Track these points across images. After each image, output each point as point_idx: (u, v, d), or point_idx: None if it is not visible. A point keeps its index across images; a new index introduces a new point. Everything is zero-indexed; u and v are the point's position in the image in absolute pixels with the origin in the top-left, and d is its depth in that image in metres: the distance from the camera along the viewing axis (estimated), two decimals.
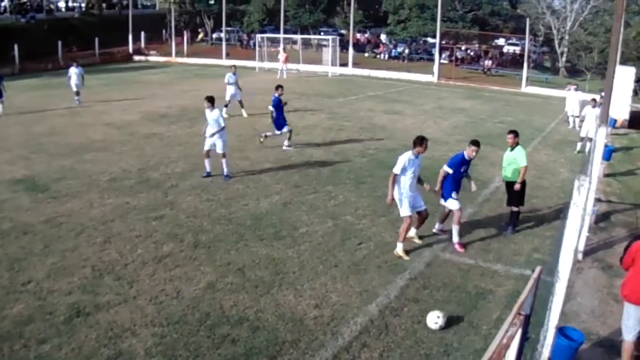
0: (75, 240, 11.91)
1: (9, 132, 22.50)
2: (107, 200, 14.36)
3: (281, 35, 56.40)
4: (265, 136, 20.09)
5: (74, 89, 29.51)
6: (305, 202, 14.56)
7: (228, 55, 58.09)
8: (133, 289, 9.87)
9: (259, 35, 54.92)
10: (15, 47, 47.19)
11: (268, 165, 17.89)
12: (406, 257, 11.51)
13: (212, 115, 16.17)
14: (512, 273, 10.93)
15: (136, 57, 60.39)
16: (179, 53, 60.45)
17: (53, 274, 10.33)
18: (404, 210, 11.63)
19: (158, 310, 9.19)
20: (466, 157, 12.17)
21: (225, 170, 16.49)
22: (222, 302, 9.47)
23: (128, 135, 21.92)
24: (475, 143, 12.16)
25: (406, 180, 11.50)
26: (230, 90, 26.39)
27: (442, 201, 12.43)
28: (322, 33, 65.96)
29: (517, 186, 12.81)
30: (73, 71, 29.54)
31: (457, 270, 10.98)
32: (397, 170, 11.39)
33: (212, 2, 70.04)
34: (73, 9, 73.14)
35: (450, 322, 9.02)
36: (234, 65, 29.12)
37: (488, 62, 55.04)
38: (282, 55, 45.72)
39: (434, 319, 8.73)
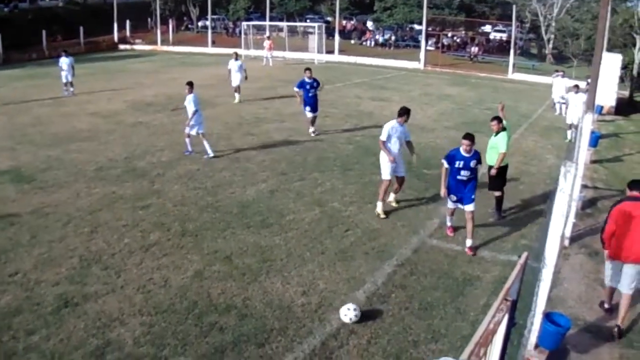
0: (62, 230, 11.86)
1: None
2: (94, 190, 14.29)
3: (267, 23, 56.16)
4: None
5: (63, 79, 29.10)
6: (292, 189, 14.55)
7: (214, 44, 57.84)
8: (121, 278, 9.84)
9: (244, 23, 54.76)
10: None
11: (254, 153, 17.83)
12: (383, 216, 12.86)
13: (187, 100, 17.03)
14: (499, 259, 10.98)
15: (121, 46, 59.92)
16: (165, 41, 60.08)
17: (40, 265, 10.28)
18: (385, 174, 13.06)
19: (146, 299, 9.17)
20: (462, 152, 11.20)
21: (208, 150, 17.24)
22: (210, 290, 9.47)
23: (114, 124, 21.78)
24: (466, 137, 11.24)
25: (391, 147, 12.93)
26: (234, 76, 27.40)
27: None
28: (308, 20, 65.83)
29: (492, 171, 12.90)
30: (64, 61, 28.86)
31: (444, 256, 11.02)
32: (383, 137, 12.90)
33: None
34: None
35: (438, 308, 9.08)
36: (236, 52, 29.88)
37: (474, 49, 55.04)
38: (267, 43, 45.59)
39: (344, 311, 8.57)
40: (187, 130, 17.26)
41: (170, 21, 62.77)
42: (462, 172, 11.22)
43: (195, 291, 9.43)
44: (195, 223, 12.26)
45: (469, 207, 11.26)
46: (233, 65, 27.48)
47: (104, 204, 13.30)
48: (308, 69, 20.63)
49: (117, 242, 11.28)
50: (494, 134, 13.02)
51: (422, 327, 8.58)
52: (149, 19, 66.19)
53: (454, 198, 11.45)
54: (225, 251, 10.91)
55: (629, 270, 8.59)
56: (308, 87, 20.19)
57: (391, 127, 12.88)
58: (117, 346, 7.92)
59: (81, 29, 54.59)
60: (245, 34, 52.54)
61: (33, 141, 19.14)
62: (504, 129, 13.00)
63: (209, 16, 60.82)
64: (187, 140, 17.44)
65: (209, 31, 59.59)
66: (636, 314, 9.22)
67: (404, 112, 13.03)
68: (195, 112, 16.91)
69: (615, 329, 8.54)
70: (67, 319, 8.57)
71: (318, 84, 20.42)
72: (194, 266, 10.30)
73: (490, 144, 13.23)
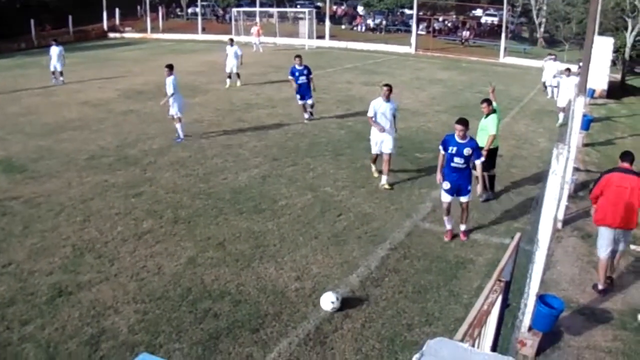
0: (55, 220, 11.82)
1: None
2: (86, 178, 14.24)
3: (257, 9, 55.86)
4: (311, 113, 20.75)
5: (51, 68, 28.75)
6: (284, 174, 14.54)
7: (204, 30, 57.49)
8: (114, 266, 9.83)
9: (234, 9, 54.42)
10: None
11: (246, 139, 17.79)
12: (387, 187, 13.66)
13: (167, 82, 17.40)
14: (492, 242, 11.02)
15: (111, 34, 59.35)
16: (155, 29, 59.60)
17: (33, 255, 10.25)
18: (373, 149, 14.09)
19: (140, 287, 9.17)
20: (456, 138, 10.78)
21: (180, 133, 17.67)
22: (204, 276, 9.47)
23: (105, 113, 21.66)
24: (459, 121, 10.81)
25: (379, 122, 13.62)
26: (230, 61, 27.78)
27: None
28: (298, 6, 65.36)
29: (482, 152, 12.93)
30: (54, 50, 28.48)
31: (437, 239, 11.05)
32: (370, 114, 13.70)
33: None
34: None
35: (431, 291, 9.11)
36: (231, 38, 30.02)
37: (466, 33, 54.85)
38: (255, 29, 45.38)
39: (329, 304, 8.49)
40: (170, 112, 17.57)
41: (160, 9, 62.32)
42: (456, 159, 10.80)
43: (188, 278, 9.43)
44: (188, 210, 12.25)
45: (464, 199, 11.01)
46: (230, 51, 27.80)
47: (96, 193, 13.26)
48: (298, 56, 20.40)
49: (110, 231, 11.26)
50: (484, 116, 13.09)
51: (415, 310, 8.61)
52: (139, 7, 65.67)
53: (447, 186, 10.92)
54: (218, 237, 10.91)
55: (616, 234, 9.37)
56: (297, 74, 19.97)
57: (376, 104, 13.62)
58: (112, 334, 7.93)
59: (70, 17, 54.01)
60: (236, 20, 52.27)
61: (24, 131, 19.03)
62: (494, 111, 13.07)
63: (199, 3, 60.41)
64: (177, 126, 17.64)
65: (199, 18, 59.20)
66: (628, 297, 9.27)
67: (385, 87, 13.83)
68: (173, 94, 17.17)
69: (608, 280, 9.49)
70: (61, 308, 8.56)
71: (309, 71, 20.13)
72: (187, 253, 10.29)
73: (480, 126, 13.36)
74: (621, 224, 9.20)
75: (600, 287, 9.39)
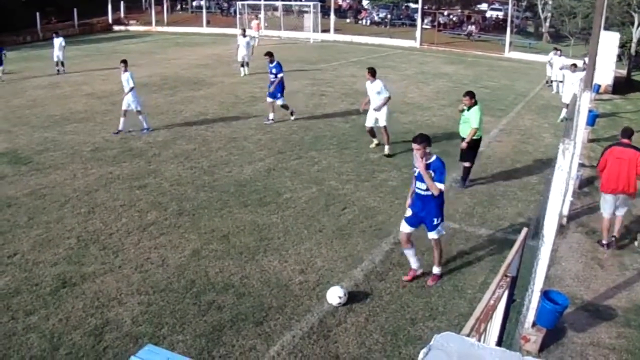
0: (60, 211, 11.85)
1: None
2: (91, 170, 14.26)
3: (262, 2, 55.73)
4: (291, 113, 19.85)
5: (55, 59, 29.79)
6: (288, 168, 14.55)
7: (209, 23, 57.55)
8: (118, 258, 9.85)
9: (239, 2, 54.33)
10: None
11: (251, 132, 17.82)
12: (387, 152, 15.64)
13: (124, 77, 17.47)
14: (497, 237, 10.99)
15: (116, 27, 59.47)
16: (159, 22, 59.63)
17: (38, 246, 10.29)
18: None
19: (144, 278, 9.18)
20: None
21: (144, 124, 17.86)
22: (207, 269, 9.48)
23: (109, 105, 21.64)
24: (415, 139, 8.85)
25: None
26: (241, 51, 28.82)
27: None
28: None
29: (463, 144, 13.26)
30: (56, 42, 29.88)
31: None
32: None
33: None
34: None
35: (435, 285, 9.11)
36: (243, 29, 31.20)
37: (471, 27, 54.74)
38: (254, 23, 45.25)
39: (336, 298, 8.44)
40: (123, 106, 17.59)
41: (164, 2, 62.30)
42: (418, 184, 8.99)
43: (192, 270, 9.44)
44: (192, 202, 12.26)
45: (431, 235, 9.16)
46: (242, 41, 28.70)
47: (101, 185, 13.29)
48: (268, 53, 19.38)
49: (114, 222, 11.28)
50: (467, 108, 13.22)
51: (419, 304, 8.60)
52: (143, 0, 65.77)
53: (408, 213, 9.18)
54: (222, 230, 10.92)
55: (618, 199, 10.85)
56: (268, 70, 19.14)
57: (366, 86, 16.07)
58: (116, 325, 7.94)
59: (75, 11, 54.23)
60: (240, 13, 52.22)
61: (29, 123, 19.07)
62: (475, 103, 13.20)
63: None
64: (121, 119, 17.69)
65: (204, 11, 59.19)
66: (633, 294, 9.24)
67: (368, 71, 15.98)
68: (132, 89, 17.46)
69: (612, 238, 10.85)
70: (65, 299, 8.59)
71: (279, 69, 18.95)
72: (192, 245, 10.30)
73: (462, 119, 13.48)
74: (621, 190, 10.66)
75: (604, 242, 10.80)
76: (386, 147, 15.78)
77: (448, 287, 9.09)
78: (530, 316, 7.74)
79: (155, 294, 8.74)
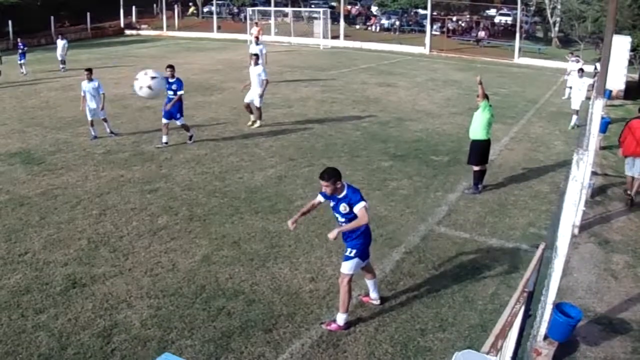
0: (71, 212, 11.92)
1: (3, 105, 22.42)
2: (102, 173, 14.33)
3: (272, 8, 55.88)
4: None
5: (59, 58, 32.83)
6: (300, 175, 14.52)
7: (219, 29, 57.68)
8: (128, 261, 9.88)
9: (249, 8, 54.45)
10: (10, 23, 48.20)
11: (262, 139, 17.82)
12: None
13: (92, 85, 17.66)
14: (508, 247, 10.90)
15: (127, 32, 59.96)
16: (170, 27, 59.92)
17: (49, 246, 10.36)
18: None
19: (153, 282, 9.20)
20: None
21: (108, 129, 18.12)
22: (218, 274, 9.47)
23: (121, 108, 21.77)
24: (321, 176, 8.17)
25: None
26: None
27: None
28: (312, 5, 65.33)
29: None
30: (59, 43, 33.24)
31: (452, 244, 10.95)
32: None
33: None
34: None
35: (446, 296, 9.05)
36: (257, 36, 30.10)
37: (481, 33, 54.49)
38: (255, 30, 44.32)
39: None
40: (89, 116, 17.68)
41: (175, 7, 62.58)
42: (337, 216, 8.28)
43: (203, 275, 9.44)
44: (204, 208, 12.27)
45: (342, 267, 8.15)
46: (254, 49, 27.19)
47: (112, 187, 13.34)
48: (169, 66, 16.94)
49: (125, 225, 11.32)
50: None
51: (429, 315, 8.54)
52: (155, 5, 66.14)
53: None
54: (233, 236, 10.92)
55: (637, 162, 13.30)
56: (167, 87, 16.10)
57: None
58: (124, 328, 7.97)
59: (88, 14, 55.00)
60: (251, 19, 52.25)
61: (42, 124, 19.23)
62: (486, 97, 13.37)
63: (214, 1, 60.52)
64: (90, 128, 17.72)
65: (214, 16, 59.33)
66: None
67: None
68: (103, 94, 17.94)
69: (629, 199, 13.44)
70: (75, 299, 8.64)
71: (180, 86, 16.74)
72: (202, 250, 10.31)
73: (472, 118, 13.65)
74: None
75: (629, 192, 13.54)
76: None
77: (458, 298, 9.03)
78: (542, 329, 7.69)
79: (164, 297, 8.75)
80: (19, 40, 34.25)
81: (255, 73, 18.95)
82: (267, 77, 19.28)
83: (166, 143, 16.92)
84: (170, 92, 16.52)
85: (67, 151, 16.02)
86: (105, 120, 17.96)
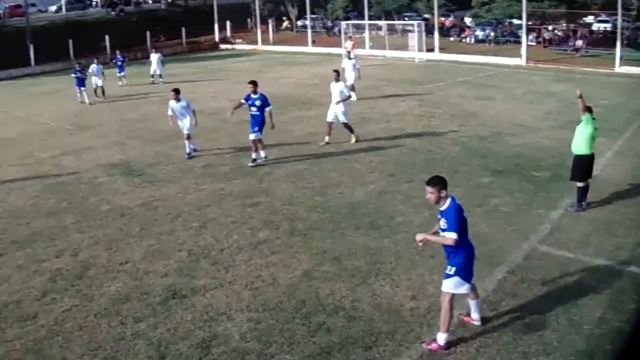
0: (171, 224, 12.26)
1: (104, 118, 23.33)
2: (202, 186, 14.69)
3: (366, 22, 55.90)
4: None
5: (151, 72, 34.14)
6: (400, 191, 14.42)
7: (314, 43, 58.12)
8: (229, 273, 10.09)
9: (343, 22, 54.67)
10: (107, 38, 51.16)
11: (362, 154, 17.84)
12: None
13: (181, 104, 17.55)
14: (615, 269, 10.40)
15: (222, 46, 61.29)
16: (265, 41, 60.77)
17: (149, 256, 10.72)
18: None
19: (254, 296, 9.36)
20: None
21: (187, 149, 17.78)
22: (318, 290, 9.54)
23: (219, 122, 22.23)
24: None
25: None
26: (348, 74, 26.89)
27: None
28: (406, 18, 65.06)
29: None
30: (153, 57, 34.44)
31: (556, 264, 10.61)
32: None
33: None
34: (159, 0, 75.17)
35: (549, 318, 8.77)
36: (348, 51, 30.47)
37: (579, 42, 52.61)
38: (349, 44, 43.12)
39: None
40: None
41: (269, 21, 63.56)
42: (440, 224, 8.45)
43: (303, 290, 9.53)
44: (304, 222, 12.40)
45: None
46: (347, 64, 27.36)
47: (213, 200, 13.64)
48: (252, 82, 17.16)
49: (225, 238, 11.56)
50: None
51: (532, 338, 8.31)
52: (249, 20, 67.38)
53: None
54: (334, 252, 10.96)
55: None
56: (250, 103, 16.80)
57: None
58: (223, 340, 8.15)
59: (183, 29, 56.84)
60: (345, 33, 52.48)
61: (141, 136, 19.89)
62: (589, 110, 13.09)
63: (308, 16, 61.08)
64: (186, 142, 17.86)
65: (309, 31, 59.79)
66: None
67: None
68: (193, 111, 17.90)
69: None
70: (174, 310, 8.91)
71: (265, 103, 16.82)
72: (303, 266, 10.41)
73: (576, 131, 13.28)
74: None
75: None
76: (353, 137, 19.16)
77: (563, 321, 8.72)
78: None
79: (265, 311, 8.88)
80: (117, 52, 35.83)
81: (337, 90, 19.01)
82: (349, 94, 19.45)
83: (265, 157, 17.06)
84: (254, 109, 16.65)
85: (167, 163, 16.51)
86: (188, 137, 17.64)
